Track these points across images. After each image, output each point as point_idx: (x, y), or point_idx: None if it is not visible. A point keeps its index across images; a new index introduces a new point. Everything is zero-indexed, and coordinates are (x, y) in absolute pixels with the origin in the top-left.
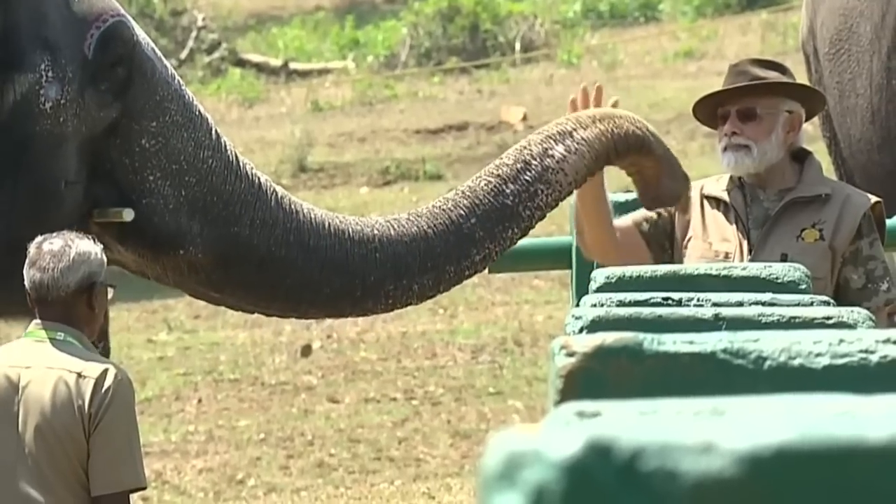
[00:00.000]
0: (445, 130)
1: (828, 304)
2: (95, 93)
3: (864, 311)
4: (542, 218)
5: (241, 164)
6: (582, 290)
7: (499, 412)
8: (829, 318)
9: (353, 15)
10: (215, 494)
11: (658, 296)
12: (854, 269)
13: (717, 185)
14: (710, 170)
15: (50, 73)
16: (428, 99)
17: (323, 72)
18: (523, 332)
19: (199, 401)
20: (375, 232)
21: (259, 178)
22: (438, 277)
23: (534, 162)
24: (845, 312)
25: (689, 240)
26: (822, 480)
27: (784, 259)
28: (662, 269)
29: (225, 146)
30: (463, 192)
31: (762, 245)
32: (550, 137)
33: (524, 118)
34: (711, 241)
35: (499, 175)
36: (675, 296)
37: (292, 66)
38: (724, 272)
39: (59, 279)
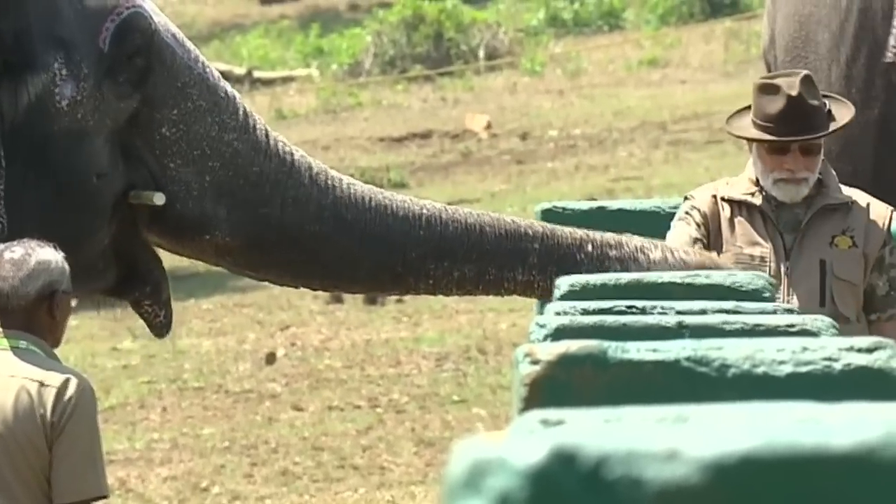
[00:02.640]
0: (409, 138)
1: (791, 312)
2: (114, 85)
3: (828, 319)
4: None
5: (271, 142)
6: None
7: (463, 420)
8: (792, 325)
9: (316, 23)
10: (179, 502)
11: (622, 304)
12: (879, 276)
13: (736, 189)
14: (673, 178)
15: (64, 71)
16: (392, 107)
17: (287, 80)
18: (487, 340)
19: (164, 409)
20: (424, 211)
21: (292, 156)
22: (480, 273)
23: (626, 248)
24: (808, 320)
25: (720, 246)
26: (785, 487)
27: (822, 265)
28: (626, 276)
29: (254, 126)
30: (543, 226)
31: (798, 251)
32: (659, 245)
33: (488, 126)
34: (742, 246)
35: (588, 235)
36: (639, 304)
37: (256, 74)
38: (687, 280)
39: (19, 288)
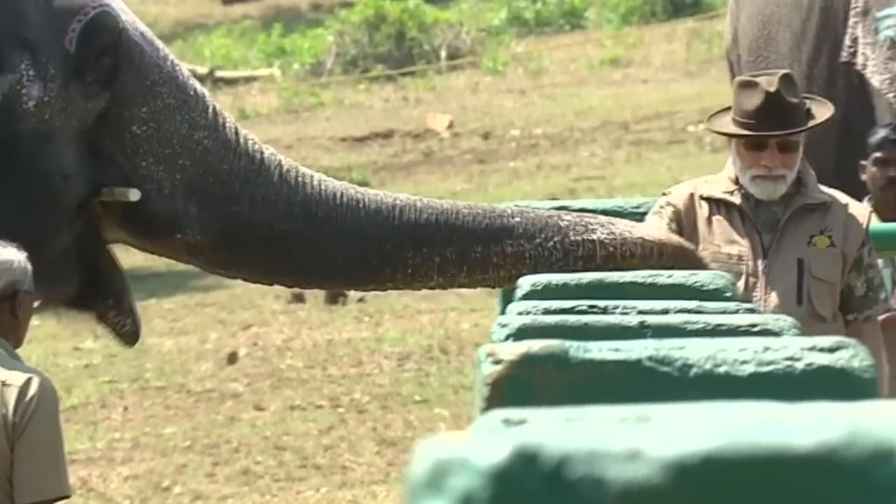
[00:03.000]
0: (371, 138)
1: (753, 311)
2: (82, 85)
3: (790, 319)
4: (579, 261)
5: (240, 140)
6: (508, 297)
7: (425, 420)
8: (754, 325)
9: (279, 23)
10: (141, 502)
11: (584, 303)
12: (857, 276)
13: (715, 188)
14: (635, 177)
15: (31, 73)
16: (354, 106)
17: (249, 79)
18: (449, 339)
19: (125, 408)
20: (397, 202)
21: (262, 153)
22: (463, 253)
23: (599, 218)
24: (770, 320)
25: (700, 244)
26: (748, 487)
27: (800, 264)
28: (588, 276)
29: (223, 124)
30: (517, 205)
31: (776, 250)
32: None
33: (450, 126)
34: (719, 244)
35: (562, 213)
36: (601, 303)
37: (218, 73)
38: (649, 279)
39: None
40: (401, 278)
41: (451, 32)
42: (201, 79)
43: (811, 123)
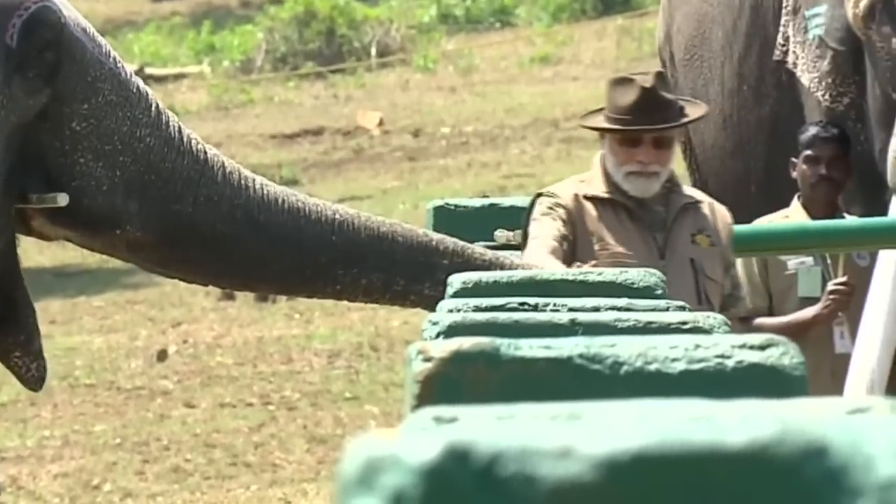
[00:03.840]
0: (301, 135)
1: (683, 309)
2: (23, 81)
3: (720, 317)
4: None
5: (184, 139)
6: None
7: (355, 417)
8: (684, 323)
9: (208, 20)
10: (71, 500)
11: (514, 301)
12: (725, 275)
13: (593, 187)
14: (565, 175)
15: None
16: (284, 104)
17: (178, 77)
18: (380, 337)
19: (55, 406)
20: (337, 216)
21: (205, 153)
22: (388, 282)
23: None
24: (701, 317)
25: (594, 245)
26: (679, 485)
27: (693, 264)
28: (519, 274)
29: (166, 122)
30: (455, 242)
31: (671, 250)
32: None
33: (380, 123)
34: (614, 245)
35: (499, 258)
36: (532, 301)
37: (148, 71)
38: (580, 277)
39: None
40: (330, 292)
41: (382, 29)
42: None
43: (684, 120)
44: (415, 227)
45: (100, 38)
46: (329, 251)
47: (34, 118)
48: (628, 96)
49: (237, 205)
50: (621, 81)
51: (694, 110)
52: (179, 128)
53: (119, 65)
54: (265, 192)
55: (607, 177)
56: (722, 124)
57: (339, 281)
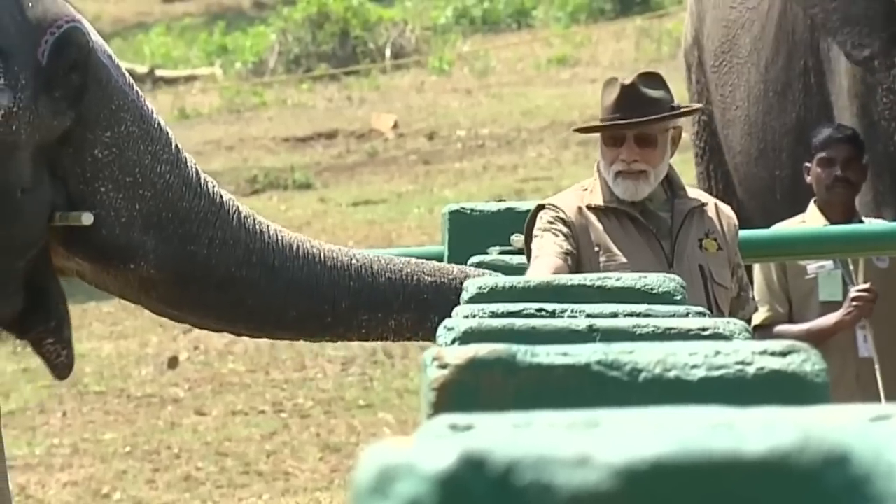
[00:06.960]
0: (315, 138)
1: (703, 315)
2: (49, 100)
3: (741, 323)
4: None
5: (201, 181)
6: None
7: (369, 425)
8: (704, 329)
9: (221, 21)
10: None
11: (531, 307)
12: (732, 277)
13: (596, 197)
14: (583, 178)
15: (2, 80)
16: (297, 106)
17: (190, 79)
18: (394, 343)
19: (64, 413)
20: (353, 262)
21: (221, 196)
22: (421, 320)
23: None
24: (721, 324)
25: (600, 257)
26: (699, 494)
27: (702, 271)
28: (536, 279)
29: (185, 162)
30: (478, 272)
31: (679, 258)
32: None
33: (395, 126)
34: (622, 255)
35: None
36: (549, 307)
37: (158, 72)
38: (598, 283)
39: None
40: (355, 336)
41: (396, 31)
42: (141, 78)
43: (659, 115)
44: (443, 265)
45: (123, 69)
46: (349, 298)
47: (57, 142)
48: (612, 95)
49: (252, 249)
50: (609, 82)
51: (690, 108)
52: (197, 169)
53: (141, 98)
54: (280, 237)
55: (605, 182)
56: (748, 130)
57: (364, 325)
